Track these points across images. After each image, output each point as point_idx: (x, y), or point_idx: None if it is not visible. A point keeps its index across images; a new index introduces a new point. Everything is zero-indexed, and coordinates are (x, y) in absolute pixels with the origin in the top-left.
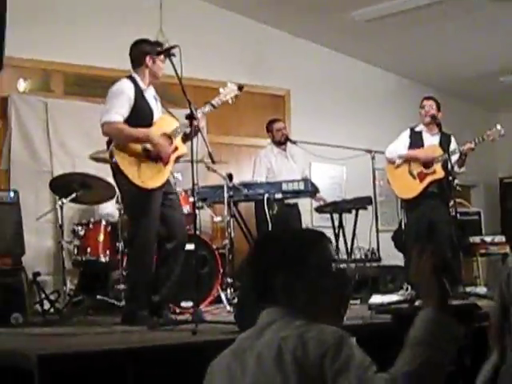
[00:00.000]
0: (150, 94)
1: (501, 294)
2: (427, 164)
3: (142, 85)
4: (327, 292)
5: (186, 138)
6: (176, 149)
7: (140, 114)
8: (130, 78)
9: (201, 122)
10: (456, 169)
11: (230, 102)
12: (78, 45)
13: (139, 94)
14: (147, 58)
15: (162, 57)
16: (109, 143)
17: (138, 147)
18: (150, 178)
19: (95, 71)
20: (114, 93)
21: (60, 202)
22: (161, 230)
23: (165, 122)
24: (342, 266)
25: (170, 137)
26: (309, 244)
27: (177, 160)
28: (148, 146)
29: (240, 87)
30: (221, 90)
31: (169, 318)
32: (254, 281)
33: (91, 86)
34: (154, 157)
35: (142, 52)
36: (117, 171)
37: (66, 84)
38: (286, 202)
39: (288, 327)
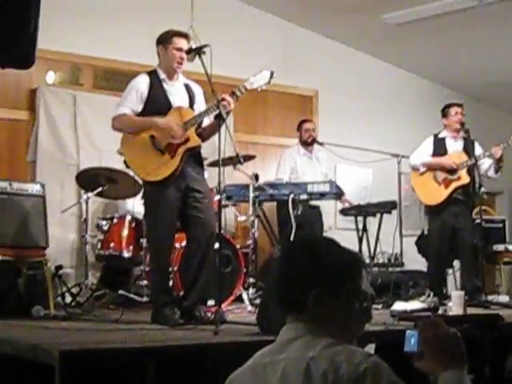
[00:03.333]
0: (176, 86)
1: None
2: (452, 170)
3: (163, 76)
4: (354, 319)
5: (207, 131)
6: (187, 140)
7: (154, 106)
8: (151, 71)
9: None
10: (492, 174)
11: (258, 89)
12: (109, 39)
13: (157, 86)
14: (159, 48)
15: (175, 45)
16: None
17: (145, 137)
18: (155, 169)
19: (124, 66)
20: (126, 89)
21: (85, 196)
22: (185, 231)
23: (180, 112)
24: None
25: (182, 127)
26: (351, 267)
27: (189, 151)
28: (156, 136)
29: (272, 74)
30: (251, 76)
31: (202, 317)
32: (283, 290)
33: (120, 80)
34: (160, 145)
35: (156, 42)
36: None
37: (95, 78)
38: (310, 203)
39: (314, 346)
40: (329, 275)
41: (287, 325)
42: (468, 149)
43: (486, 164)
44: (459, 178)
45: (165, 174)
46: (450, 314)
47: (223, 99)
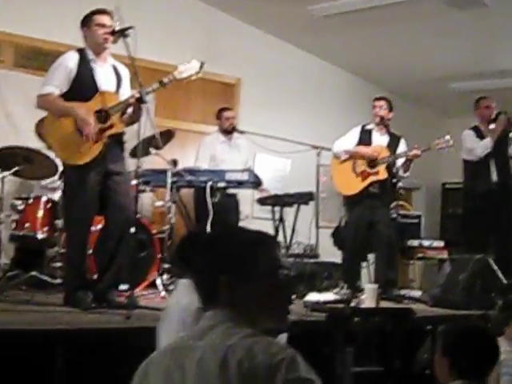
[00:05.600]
0: (105, 68)
1: None
2: (371, 163)
3: (92, 56)
4: (271, 297)
5: (131, 118)
6: (112, 126)
7: (80, 87)
8: (81, 49)
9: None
10: (400, 172)
11: (187, 79)
12: (32, 17)
13: (85, 65)
14: (84, 30)
15: (96, 22)
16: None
17: (70, 122)
18: (77, 153)
19: (48, 45)
20: (53, 65)
21: (1, 175)
22: (103, 213)
23: (105, 97)
24: (287, 272)
25: (107, 113)
26: (258, 247)
27: (112, 137)
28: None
29: (202, 65)
30: (181, 66)
31: (115, 301)
32: (197, 279)
33: (43, 59)
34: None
35: (80, 26)
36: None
37: (17, 56)
38: (227, 191)
39: (234, 334)
40: (237, 260)
41: (208, 312)
42: (391, 145)
43: (399, 162)
44: (377, 173)
45: (87, 159)
46: (363, 306)
47: (132, 96)
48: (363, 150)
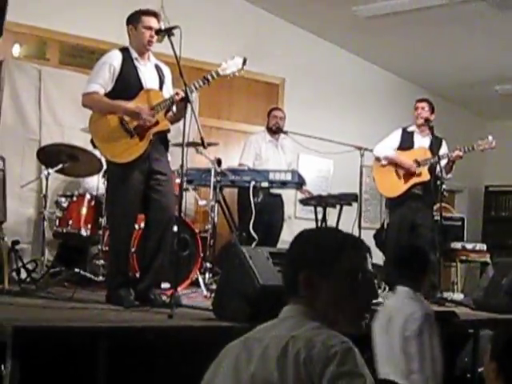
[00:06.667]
0: (148, 66)
1: None
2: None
3: (135, 55)
4: (349, 299)
5: (175, 116)
6: (157, 123)
7: (125, 85)
8: (123, 48)
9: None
10: (443, 174)
11: (230, 76)
12: (78, 15)
13: (129, 63)
14: (129, 28)
15: (144, 24)
16: None
17: (115, 120)
18: (122, 151)
19: (93, 43)
20: (98, 64)
21: (46, 172)
22: (144, 213)
23: (150, 95)
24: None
25: (152, 110)
26: (343, 247)
27: (157, 135)
28: (125, 117)
29: (245, 61)
30: (223, 63)
31: (157, 300)
32: (283, 273)
33: (87, 57)
34: (129, 127)
35: (126, 22)
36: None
37: (62, 53)
38: (271, 191)
39: (300, 327)
40: (315, 258)
41: (287, 306)
42: (433, 146)
43: (442, 164)
44: (420, 175)
45: (132, 157)
46: None
47: (177, 93)
48: (403, 160)
